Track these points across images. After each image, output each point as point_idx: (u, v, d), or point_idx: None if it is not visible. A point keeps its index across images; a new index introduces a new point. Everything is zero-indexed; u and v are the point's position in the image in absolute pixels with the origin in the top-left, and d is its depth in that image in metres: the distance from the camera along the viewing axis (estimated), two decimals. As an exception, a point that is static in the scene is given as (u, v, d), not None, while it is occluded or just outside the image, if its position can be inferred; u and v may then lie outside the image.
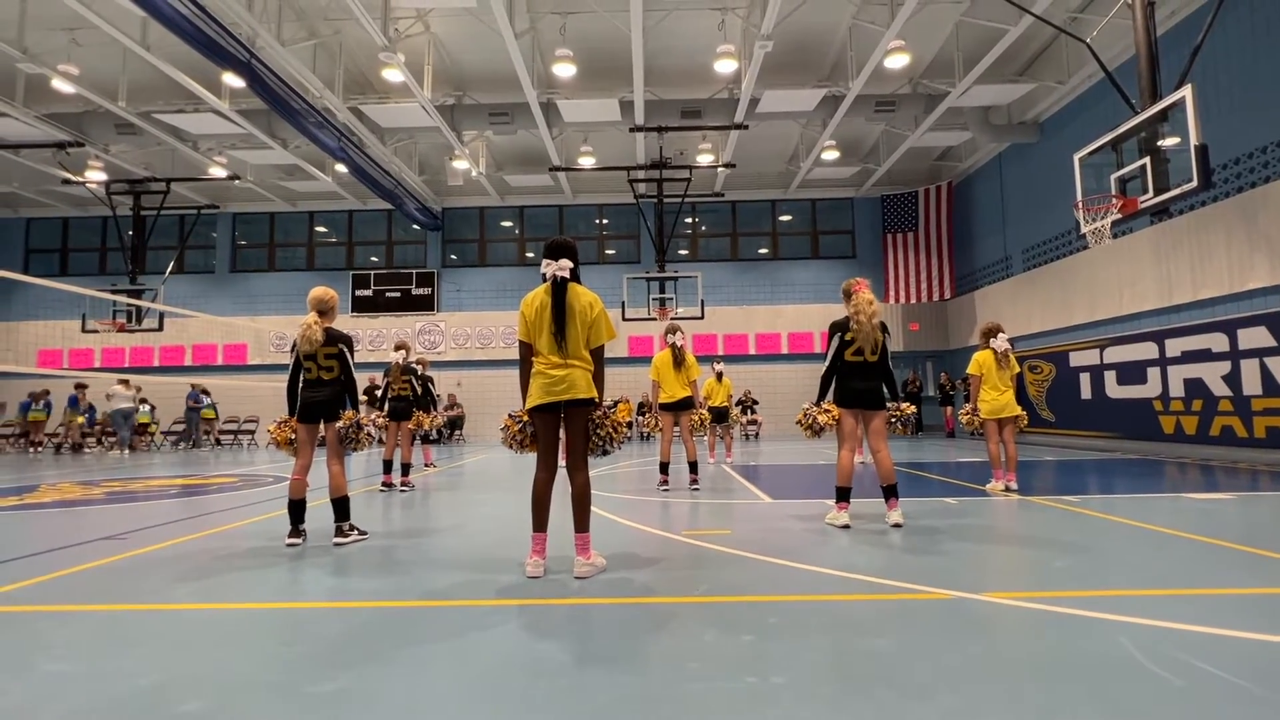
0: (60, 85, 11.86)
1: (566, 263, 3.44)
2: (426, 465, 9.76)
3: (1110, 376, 11.25)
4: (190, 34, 9.56)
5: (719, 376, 9.94)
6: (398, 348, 7.27)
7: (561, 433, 3.52)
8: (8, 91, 12.72)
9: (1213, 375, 9.27)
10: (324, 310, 4.39)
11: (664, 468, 6.83)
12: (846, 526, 4.47)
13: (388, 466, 7.15)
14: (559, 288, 3.42)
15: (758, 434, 17.19)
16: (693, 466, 6.91)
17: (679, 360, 6.82)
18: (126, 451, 14.73)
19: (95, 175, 15.80)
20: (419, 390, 7.44)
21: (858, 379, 4.62)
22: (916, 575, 3.21)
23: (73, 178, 15.68)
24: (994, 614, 2.65)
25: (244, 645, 2.43)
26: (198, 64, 11.14)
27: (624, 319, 16.33)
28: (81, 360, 18.85)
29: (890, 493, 4.59)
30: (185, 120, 13.92)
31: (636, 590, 3.08)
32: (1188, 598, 2.81)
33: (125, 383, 14.87)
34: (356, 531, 4.35)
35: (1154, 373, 10.29)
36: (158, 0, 8.99)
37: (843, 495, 4.59)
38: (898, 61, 11.60)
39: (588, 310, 3.44)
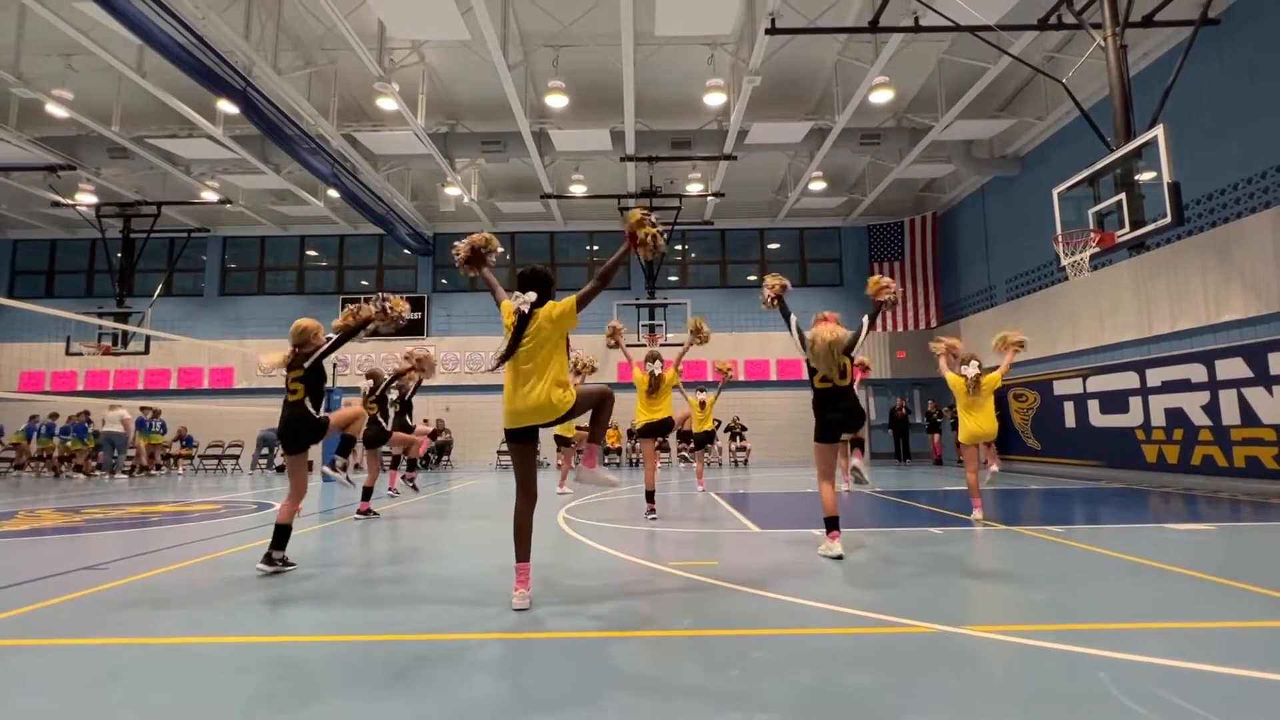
0: (54, 110, 11.92)
1: (531, 295, 3.50)
2: (407, 481, 9.55)
3: (1093, 405, 11.39)
4: (186, 62, 9.67)
5: (701, 405, 10.06)
6: (368, 376, 7.38)
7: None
8: (0, 115, 12.75)
9: (1193, 405, 9.41)
10: (301, 343, 4.42)
11: (650, 496, 6.82)
12: (840, 557, 4.46)
13: (367, 494, 7.09)
14: (523, 321, 3.47)
15: (746, 460, 17.19)
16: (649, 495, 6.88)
17: (654, 387, 6.95)
18: (109, 476, 14.50)
19: (86, 198, 15.78)
20: (387, 412, 7.38)
21: (831, 410, 4.69)
22: (900, 608, 3.23)
23: (63, 200, 15.67)
24: (976, 648, 2.68)
25: (226, 681, 2.41)
26: (192, 90, 11.24)
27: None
28: (65, 383, 18.63)
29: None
30: (178, 145, 14.00)
31: (624, 624, 3.08)
32: (1166, 631, 2.85)
33: (116, 407, 14.72)
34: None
35: (1135, 402, 10.44)
36: (154, 29, 9.11)
37: (832, 524, 4.61)
38: (882, 97, 11.91)
39: (548, 321, 3.45)
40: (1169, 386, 9.81)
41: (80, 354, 15.97)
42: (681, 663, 2.54)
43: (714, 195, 16.11)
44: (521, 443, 3.47)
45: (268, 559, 4.18)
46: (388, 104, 11.93)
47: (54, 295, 19.39)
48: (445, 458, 17.67)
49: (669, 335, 16.19)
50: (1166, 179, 6.99)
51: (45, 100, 11.63)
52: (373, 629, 3.03)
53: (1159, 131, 7.08)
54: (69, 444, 15.55)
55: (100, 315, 15.44)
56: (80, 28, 9.91)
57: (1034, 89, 13.20)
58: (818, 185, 16.49)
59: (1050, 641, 2.69)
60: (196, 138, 13.49)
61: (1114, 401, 10.91)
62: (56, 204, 15.87)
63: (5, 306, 15.03)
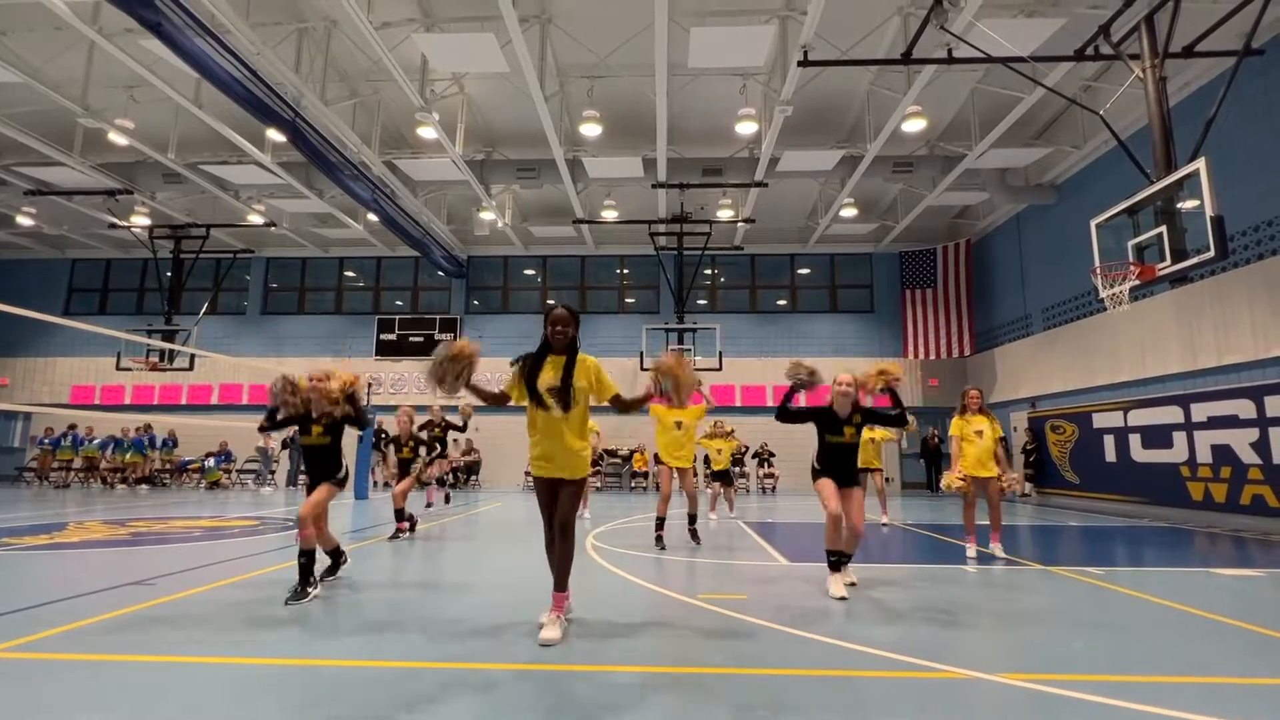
0: (116, 138, 12.57)
1: None
2: (427, 506, 10.33)
3: (1135, 440, 11.07)
4: (240, 94, 10.14)
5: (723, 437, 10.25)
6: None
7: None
8: (66, 143, 13.49)
9: (1241, 442, 9.10)
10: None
11: (692, 519, 7.07)
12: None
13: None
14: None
15: (774, 487, 17.01)
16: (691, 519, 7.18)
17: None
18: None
19: (140, 220, 16.52)
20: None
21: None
22: (933, 651, 3.19)
23: (119, 222, 16.42)
24: (1008, 697, 2.63)
25: (271, 703, 2.49)
26: (244, 120, 11.76)
27: (643, 369, 16.47)
28: (113, 397, 19.34)
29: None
30: (229, 171, 14.60)
31: (653, 659, 3.09)
32: (1210, 687, 2.77)
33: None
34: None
35: (1180, 437, 10.12)
36: (212, 64, 9.58)
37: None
38: (915, 125, 11.91)
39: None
40: (1215, 422, 9.51)
41: (129, 369, 16.63)
42: (712, 703, 2.55)
43: (744, 221, 16.19)
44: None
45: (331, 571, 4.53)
46: (428, 133, 12.32)
47: (107, 312, 20.25)
48: (474, 477, 17.84)
49: (698, 359, 16.22)
50: (1209, 212, 6.83)
51: (109, 129, 12.27)
52: (403, 655, 3.09)
53: (1200, 164, 6.94)
54: (128, 457, 16.15)
55: (149, 334, 16.08)
56: (144, 62, 10.47)
57: (1070, 117, 13.07)
58: (849, 212, 16.47)
59: (1085, 693, 2.64)
60: (246, 164, 14.06)
61: (1157, 436, 10.59)
62: (113, 225, 16.64)
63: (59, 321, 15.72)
